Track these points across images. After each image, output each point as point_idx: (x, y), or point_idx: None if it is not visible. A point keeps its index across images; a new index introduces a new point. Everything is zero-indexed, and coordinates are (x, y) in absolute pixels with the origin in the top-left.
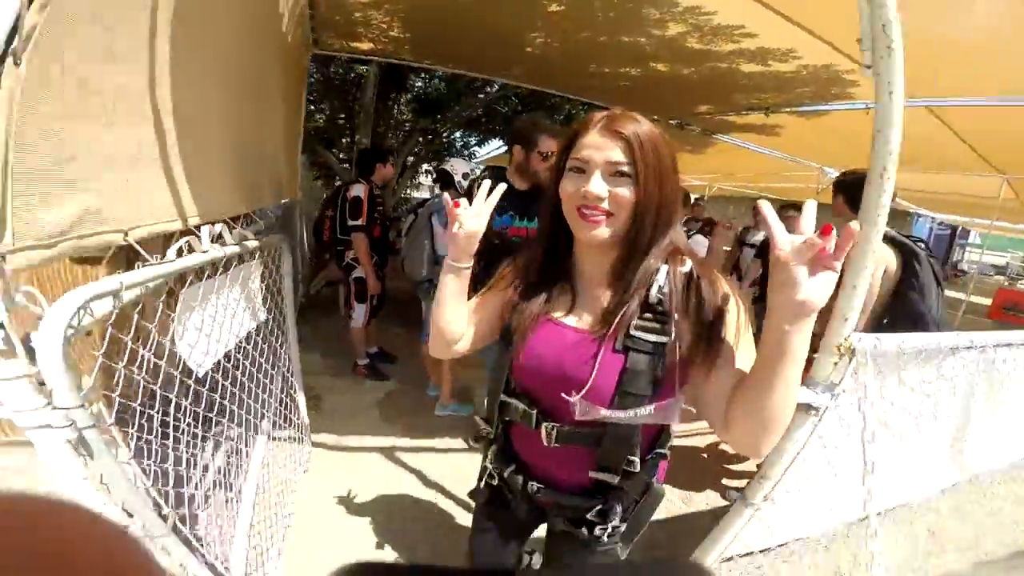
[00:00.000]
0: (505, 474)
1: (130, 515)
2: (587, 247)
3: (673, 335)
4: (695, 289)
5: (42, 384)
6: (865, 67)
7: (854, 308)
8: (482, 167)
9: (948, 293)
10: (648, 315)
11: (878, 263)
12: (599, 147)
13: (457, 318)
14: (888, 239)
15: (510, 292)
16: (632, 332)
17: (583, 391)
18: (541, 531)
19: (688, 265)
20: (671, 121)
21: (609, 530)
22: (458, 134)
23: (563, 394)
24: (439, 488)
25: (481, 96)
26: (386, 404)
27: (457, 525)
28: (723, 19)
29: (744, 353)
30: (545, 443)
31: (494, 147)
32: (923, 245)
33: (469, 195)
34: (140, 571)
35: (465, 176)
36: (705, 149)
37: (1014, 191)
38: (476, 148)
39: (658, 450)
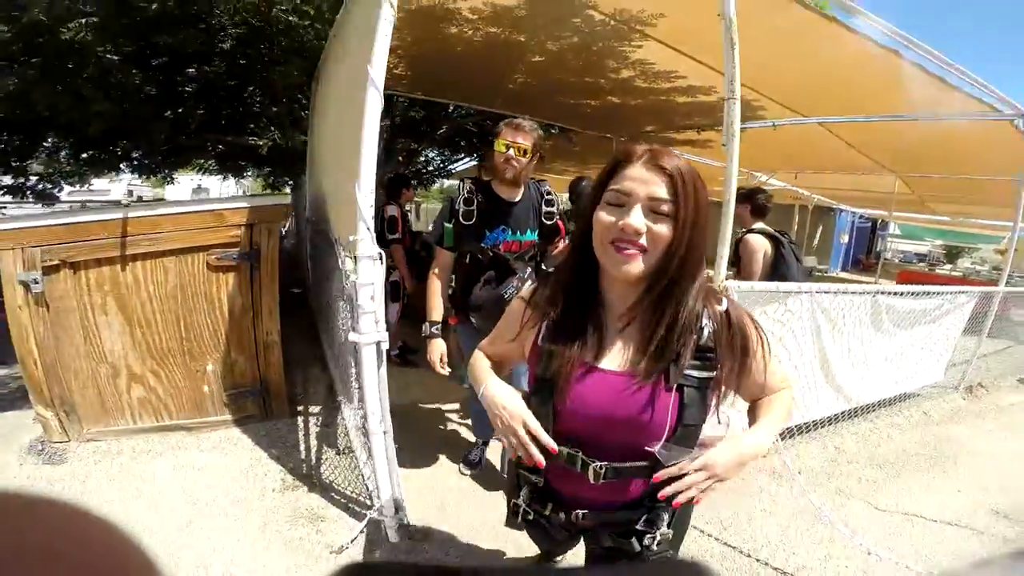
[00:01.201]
0: (546, 512)
1: None
2: (619, 284)
3: (718, 371)
4: (736, 328)
5: None
6: (723, 144)
7: (723, 263)
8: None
9: (864, 278)
10: (704, 355)
11: (761, 248)
12: (644, 181)
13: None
14: (767, 234)
15: (528, 333)
16: (688, 372)
17: (658, 437)
18: None
19: (724, 304)
20: (621, 138)
21: (658, 538)
22: (433, 153)
23: (632, 441)
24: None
25: (456, 118)
26: (418, 383)
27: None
28: (661, 67)
29: (765, 374)
30: (592, 481)
31: (466, 163)
32: (787, 237)
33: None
34: (134, 570)
35: None
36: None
37: (908, 186)
38: (451, 166)
39: None
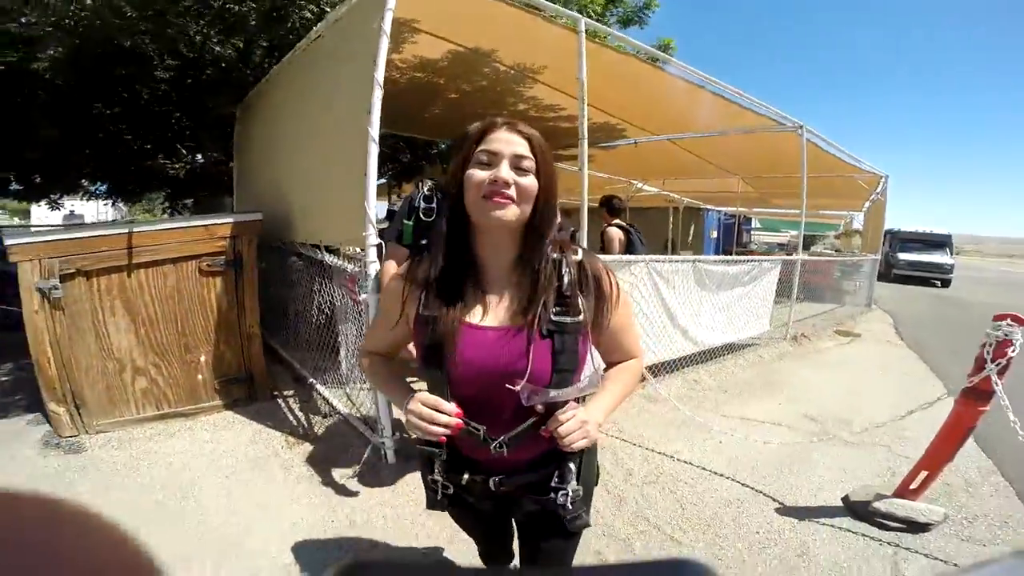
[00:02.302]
0: (463, 482)
1: None
2: (491, 238)
3: (582, 313)
4: (589, 275)
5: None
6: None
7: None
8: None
9: None
10: (564, 301)
11: (616, 237)
12: (508, 142)
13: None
14: (621, 227)
15: (411, 307)
16: (554, 318)
17: (525, 378)
18: None
19: (580, 254)
20: None
21: (571, 494)
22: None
23: (505, 398)
24: None
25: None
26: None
27: None
28: (547, 102)
29: (624, 321)
30: (495, 455)
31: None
32: (634, 228)
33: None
34: (129, 568)
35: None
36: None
37: (749, 186)
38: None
39: None
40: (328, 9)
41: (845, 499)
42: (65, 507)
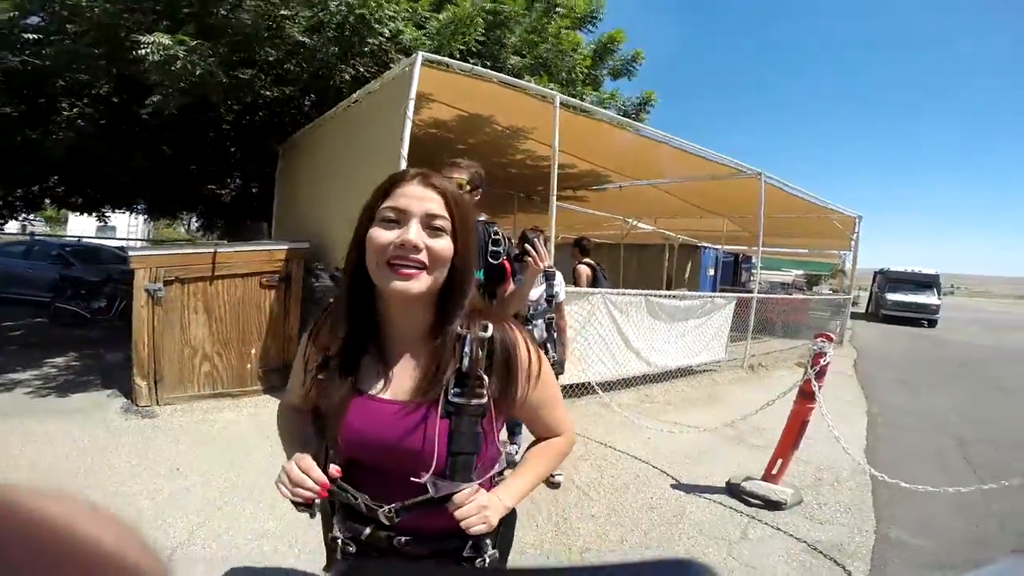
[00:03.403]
0: (363, 537)
1: None
2: (397, 308)
3: (486, 395)
4: (498, 351)
5: None
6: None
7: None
8: None
9: None
10: (464, 383)
11: (584, 273)
12: (420, 197)
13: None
14: (589, 265)
15: (312, 366)
16: (451, 399)
17: (431, 466)
18: None
19: (489, 330)
20: (521, 193)
21: (488, 561)
22: None
23: (397, 470)
24: None
25: None
26: None
27: None
28: (540, 154)
29: (542, 400)
30: (386, 523)
31: None
32: (600, 266)
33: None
34: (144, 568)
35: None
36: (543, 211)
37: (736, 225)
38: None
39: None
40: (362, 70)
41: (727, 482)
42: (72, 503)
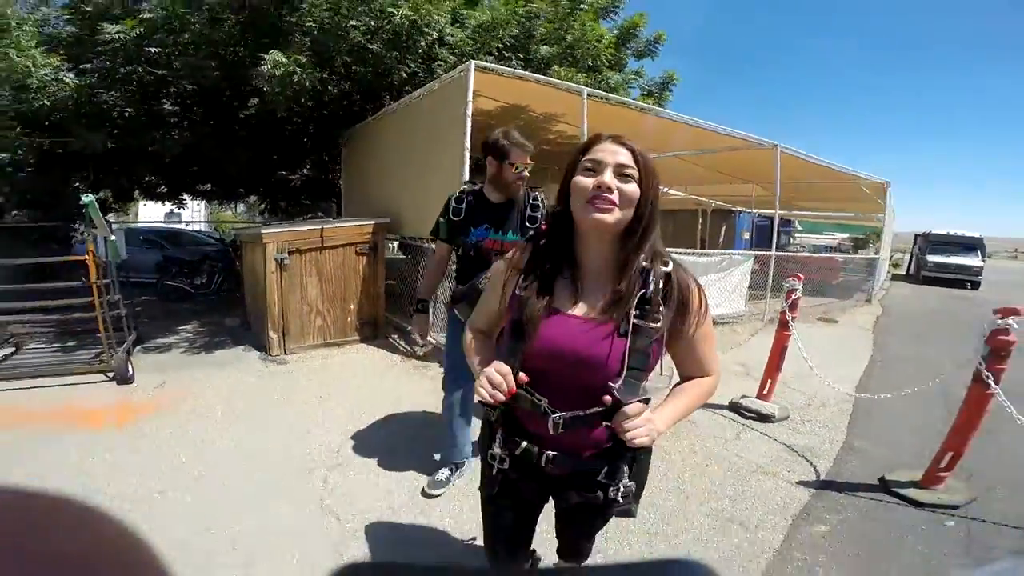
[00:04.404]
0: (518, 451)
1: None
2: (592, 239)
3: (660, 322)
4: (675, 287)
5: None
6: None
7: None
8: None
9: None
10: (645, 307)
11: None
12: (613, 152)
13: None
14: None
15: (510, 287)
16: (633, 320)
17: (609, 375)
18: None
19: (670, 266)
20: (555, 167)
21: (622, 490)
22: None
23: (588, 382)
24: None
25: None
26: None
27: None
28: (570, 133)
29: (704, 336)
30: (551, 432)
31: None
32: None
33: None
34: (128, 562)
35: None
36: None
37: (766, 191)
38: None
39: None
40: (413, 67)
41: (730, 401)
42: (64, 502)
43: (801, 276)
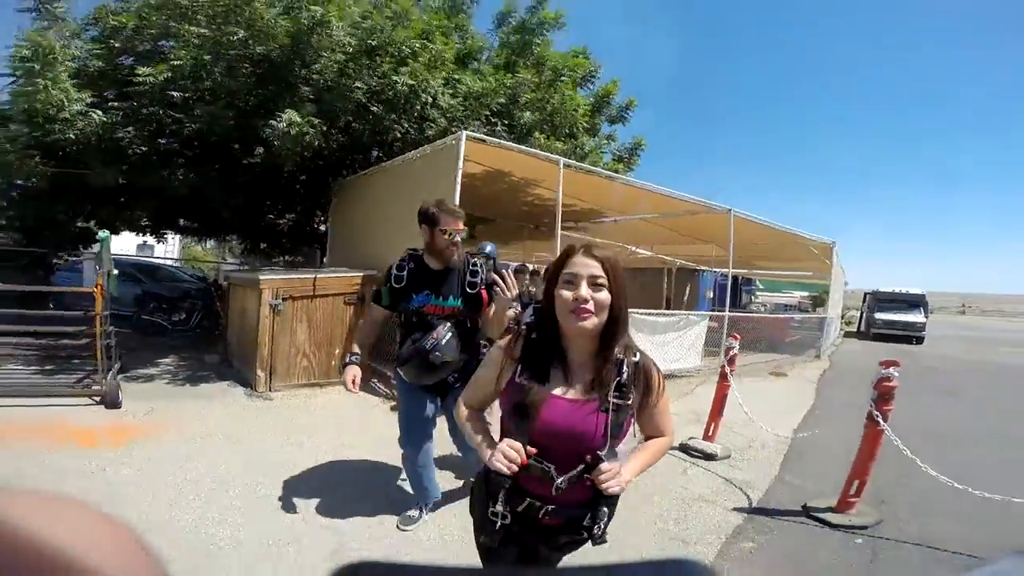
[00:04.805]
0: (521, 508)
1: None
2: (575, 338)
3: (631, 400)
4: (641, 372)
5: None
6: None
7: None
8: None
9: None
10: (622, 389)
11: None
12: (584, 265)
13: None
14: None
15: (506, 374)
16: (612, 399)
17: (596, 444)
18: None
19: (638, 356)
20: (531, 224)
21: (602, 527)
22: None
23: (579, 449)
24: None
25: None
26: None
27: None
28: (548, 196)
29: (662, 407)
30: (555, 494)
31: None
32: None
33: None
34: (132, 566)
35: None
36: (549, 238)
37: (723, 250)
38: None
39: None
40: (407, 126)
41: (680, 443)
42: (67, 506)
43: (738, 336)
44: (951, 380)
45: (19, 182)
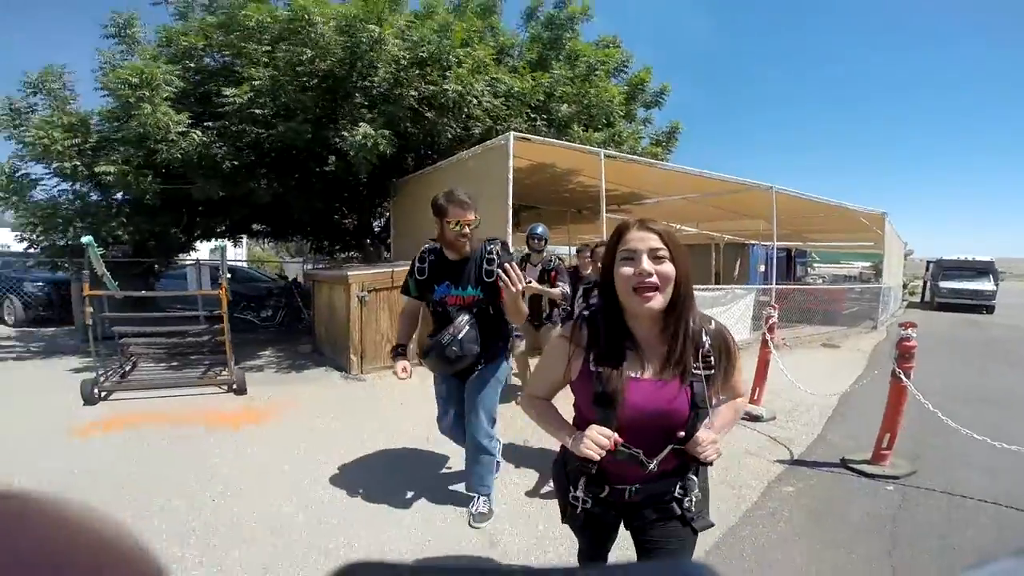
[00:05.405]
0: (602, 495)
1: None
2: (643, 317)
3: (714, 370)
4: (720, 341)
5: None
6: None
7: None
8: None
9: None
10: (705, 361)
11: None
12: (643, 239)
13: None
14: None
15: (576, 362)
16: (696, 371)
17: (682, 419)
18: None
19: (713, 324)
20: (573, 209)
21: (694, 500)
22: None
23: (666, 427)
24: None
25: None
26: None
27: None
28: (588, 183)
29: (738, 372)
30: (645, 474)
31: None
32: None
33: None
34: (130, 566)
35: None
36: (592, 221)
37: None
38: None
39: None
40: (455, 126)
41: None
42: (66, 505)
43: (777, 306)
44: (1018, 350)
45: (127, 198)
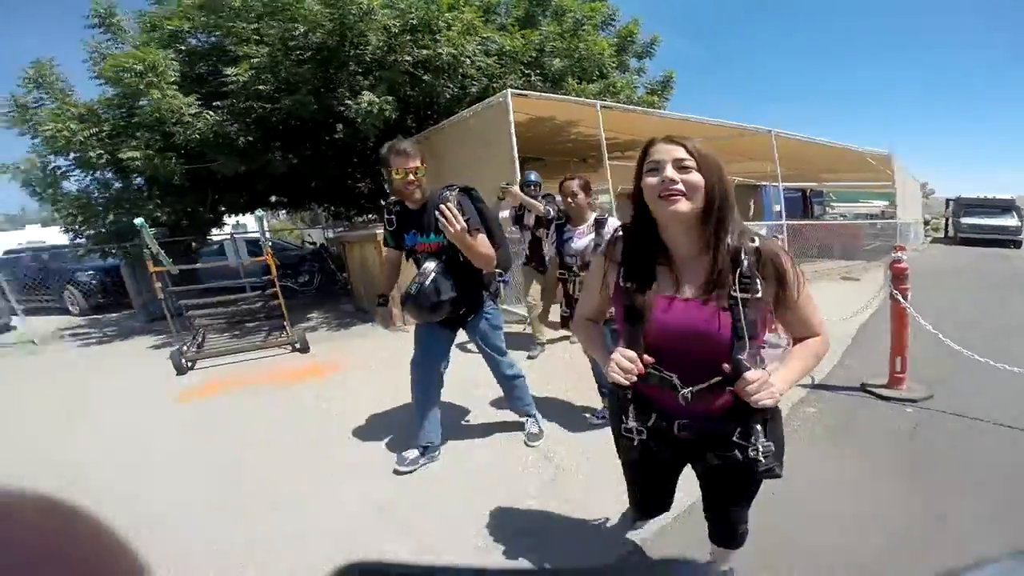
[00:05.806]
0: (650, 424)
1: None
2: (675, 229)
3: (760, 293)
4: (767, 259)
5: None
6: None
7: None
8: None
9: None
10: (744, 281)
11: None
12: (667, 151)
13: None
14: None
15: (611, 278)
16: (734, 294)
17: (721, 346)
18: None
19: (757, 240)
20: (575, 159)
21: (761, 449)
22: None
23: (703, 354)
24: None
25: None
26: None
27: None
28: (589, 133)
29: (803, 299)
30: (683, 405)
31: None
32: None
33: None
34: (123, 569)
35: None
36: (595, 169)
37: (782, 166)
38: None
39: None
40: (452, 86)
41: None
42: (55, 506)
43: (781, 237)
44: None
45: (151, 182)
